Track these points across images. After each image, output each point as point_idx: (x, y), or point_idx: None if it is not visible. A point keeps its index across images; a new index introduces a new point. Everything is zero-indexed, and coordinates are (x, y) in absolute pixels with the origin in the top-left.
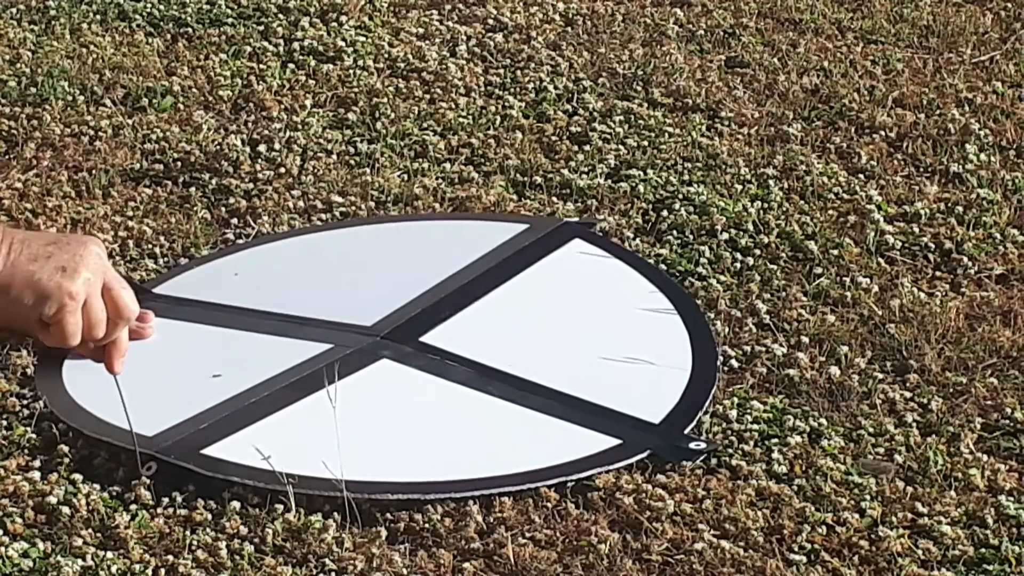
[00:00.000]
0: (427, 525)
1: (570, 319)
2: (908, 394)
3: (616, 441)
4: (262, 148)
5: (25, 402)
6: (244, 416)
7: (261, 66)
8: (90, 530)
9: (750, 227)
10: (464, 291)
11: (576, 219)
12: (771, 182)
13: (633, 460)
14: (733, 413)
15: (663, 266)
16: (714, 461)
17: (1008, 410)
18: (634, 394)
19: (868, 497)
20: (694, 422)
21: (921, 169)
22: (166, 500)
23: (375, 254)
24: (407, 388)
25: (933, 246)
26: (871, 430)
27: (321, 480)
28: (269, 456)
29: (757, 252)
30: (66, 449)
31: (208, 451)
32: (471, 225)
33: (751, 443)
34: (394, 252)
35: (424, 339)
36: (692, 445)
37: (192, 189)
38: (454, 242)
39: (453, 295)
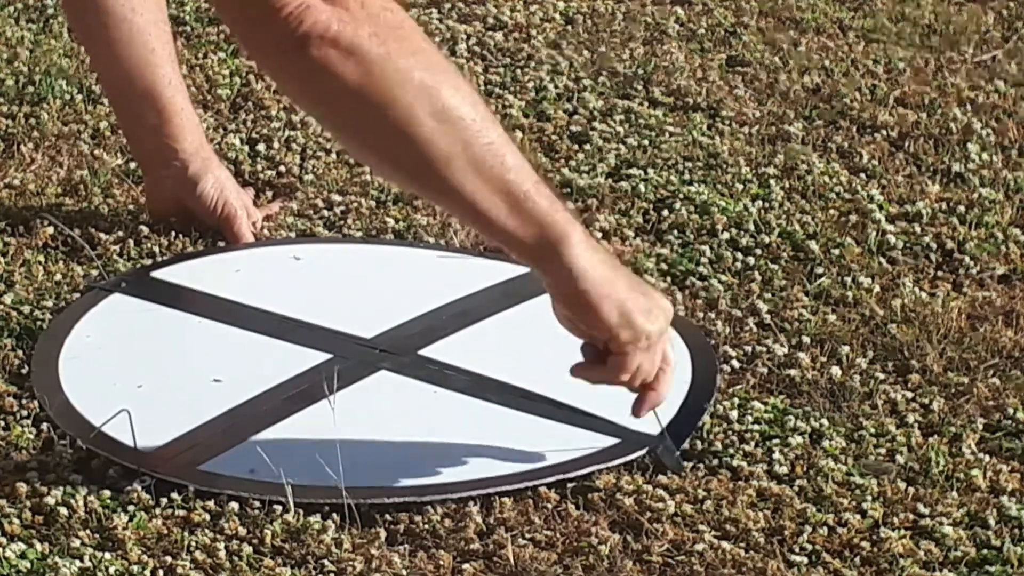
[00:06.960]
0: (426, 526)
1: (572, 340)
2: (910, 394)
3: (614, 440)
4: (261, 147)
5: (23, 402)
6: (243, 429)
7: None
8: (88, 531)
9: (751, 227)
10: (467, 313)
11: None
12: (772, 181)
13: (631, 458)
14: (734, 413)
15: (665, 264)
16: (715, 462)
17: (1010, 410)
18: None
19: (869, 498)
20: (693, 432)
21: (923, 168)
22: (164, 501)
23: (382, 273)
24: (405, 397)
25: (935, 246)
26: (872, 431)
27: (321, 488)
28: (253, 471)
29: (758, 252)
30: (64, 450)
31: (205, 467)
32: (481, 262)
33: (752, 444)
34: (400, 275)
35: (423, 352)
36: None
37: None
38: (461, 272)
39: (455, 316)
